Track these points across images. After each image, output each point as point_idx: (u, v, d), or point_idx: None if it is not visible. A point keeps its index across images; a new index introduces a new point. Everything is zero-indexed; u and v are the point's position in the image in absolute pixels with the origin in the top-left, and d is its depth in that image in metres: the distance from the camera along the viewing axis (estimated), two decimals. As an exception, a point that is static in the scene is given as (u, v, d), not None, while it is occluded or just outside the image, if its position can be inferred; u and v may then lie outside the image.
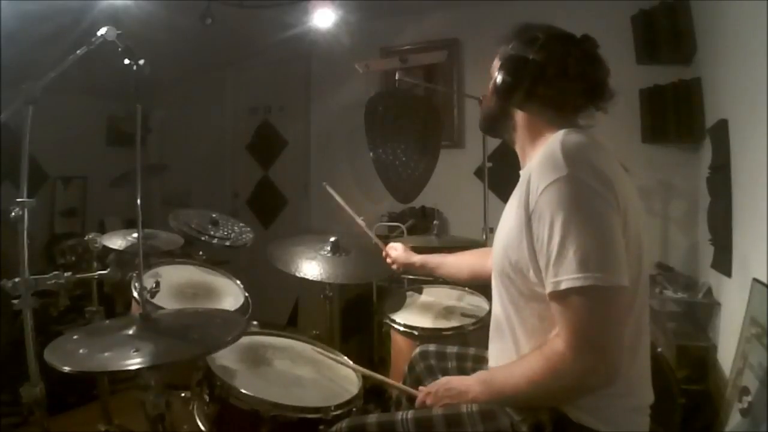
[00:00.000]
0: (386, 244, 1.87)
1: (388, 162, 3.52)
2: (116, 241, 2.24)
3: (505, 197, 1.15)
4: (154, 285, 1.39)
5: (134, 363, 1.05)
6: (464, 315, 1.91)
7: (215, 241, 2.35)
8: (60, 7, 2.60)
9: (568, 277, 0.90)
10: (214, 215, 2.48)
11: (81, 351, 1.11)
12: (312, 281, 1.84)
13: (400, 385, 1.41)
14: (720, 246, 2.14)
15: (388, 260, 1.80)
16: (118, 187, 3.44)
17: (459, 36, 3.45)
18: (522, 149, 1.19)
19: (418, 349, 1.49)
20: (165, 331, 1.21)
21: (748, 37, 1.73)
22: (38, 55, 2.28)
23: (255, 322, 1.82)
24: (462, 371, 1.35)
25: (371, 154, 3.54)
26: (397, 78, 2.39)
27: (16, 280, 1.29)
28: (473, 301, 2.04)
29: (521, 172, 1.15)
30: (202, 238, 2.32)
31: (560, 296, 0.92)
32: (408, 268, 1.77)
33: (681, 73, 2.67)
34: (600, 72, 1.08)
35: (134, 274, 1.83)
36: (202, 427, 1.37)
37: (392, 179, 3.52)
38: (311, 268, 1.87)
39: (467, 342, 1.59)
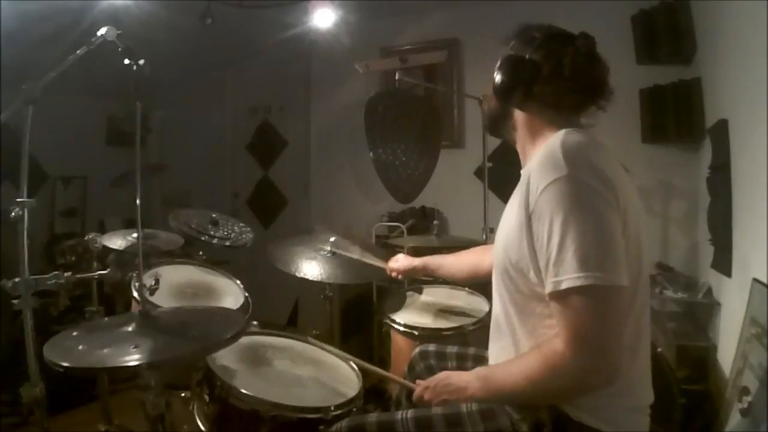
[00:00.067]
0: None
1: (388, 162, 3.52)
2: (116, 241, 2.24)
3: (505, 197, 1.15)
4: (153, 282, 1.38)
5: (133, 359, 1.05)
6: (464, 315, 1.91)
7: (215, 241, 2.35)
8: (60, 7, 2.60)
9: (568, 276, 0.90)
10: (214, 215, 2.48)
11: (80, 347, 1.11)
12: (312, 281, 1.84)
13: (398, 378, 1.41)
14: (720, 246, 2.13)
15: (393, 274, 1.82)
16: (118, 187, 3.43)
17: (459, 36, 3.45)
18: (522, 149, 1.19)
19: (417, 349, 1.50)
20: (164, 328, 1.21)
21: (748, 37, 1.73)
22: (38, 55, 2.27)
23: (255, 322, 1.82)
24: (462, 371, 1.35)
25: (371, 154, 3.54)
26: (397, 78, 2.39)
27: (16, 280, 1.29)
28: (473, 301, 2.04)
29: (522, 172, 1.15)
30: (202, 238, 2.32)
31: (560, 296, 0.92)
32: (410, 273, 1.80)
33: (681, 73, 2.66)
34: (597, 69, 1.08)
35: (134, 274, 1.83)
36: (202, 427, 1.37)
37: (392, 179, 3.52)
38: (311, 268, 1.87)
39: (467, 342, 1.59)
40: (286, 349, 1.60)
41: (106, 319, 1.48)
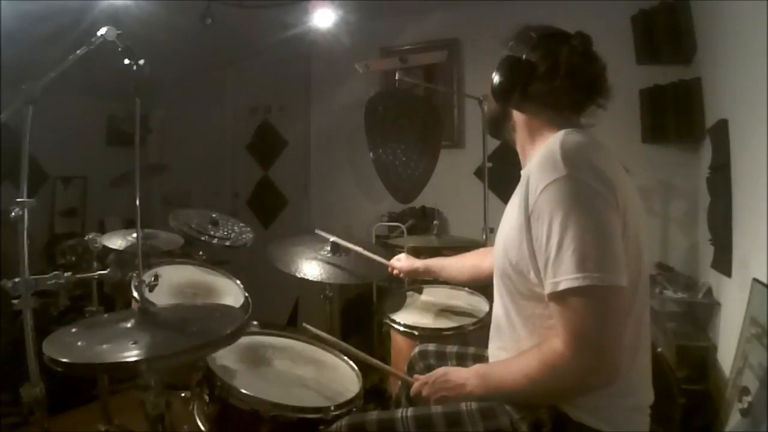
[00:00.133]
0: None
1: (388, 162, 3.52)
2: (116, 241, 2.24)
3: (505, 197, 1.15)
4: (153, 278, 1.38)
5: (132, 355, 1.05)
6: (464, 315, 1.91)
7: (215, 241, 2.35)
8: (60, 7, 2.60)
9: (566, 277, 0.90)
10: (214, 215, 2.48)
11: (79, 343, 1.11)
12: (312, 281, 1.84)
13: (396, 371, 1.41)
14: (720, 246, 2.13)
15: (395, 273, 1.82)
16: (118, 187, 3.44)
17: (459, 36, 3.45)
18: (522, 150, 1.19)
19: (417, 349, 1.50)
20: (163, 324, 1.21)
21: (748, 37, 1.73)
22: (38, 55, 2.28)
23: (255, 322, 1.82)
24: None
25: (371, 154, 3.54)
26: (397, 78, 2.39)
27: (16, 280, 1.29)
28: (473, 301, 2.04)
29: (522, 173, 1.15)
30: (202, 238, 2.32)
31: (559, 297, 0.92)
32: (413, 274, 1.81)
33: (681, 73, 2.67)
34: (593, 67, 1.08)
35: (134, 274, 1.83)
36: (202, 427, 1.37)
37: (392, 179, 3.52)
38: (311, 268, 1.87)
39: (467, 342, 1.58)
40: (286, 349, 1.60)
41: (105, 315, 1.48)
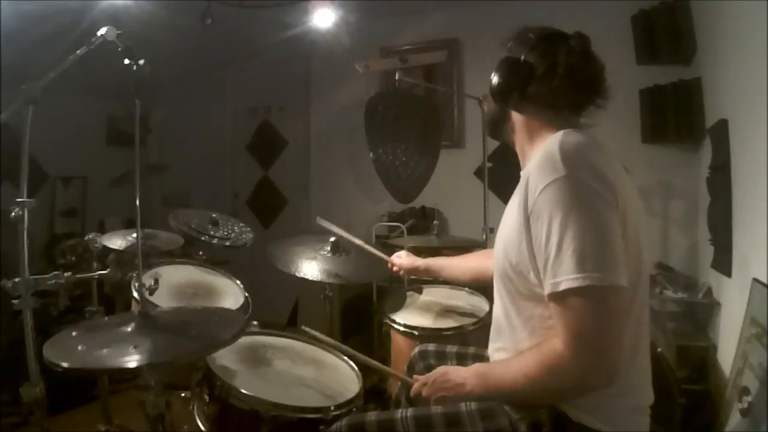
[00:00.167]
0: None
1: (388, 162, 3.52)
2: (116, 241, 2.24)
3: (505, 197, 1.15)
4: (153, 282, 1.38)
5: (133, 360, 1.05)
6: (464, 315, 1.91)
7: (215, 241, 2.35)
8: (60, 7, 2.60)
9: (566, 277, 0.90)
10: (214, 215, 2.48)
11: (80, 347, 1.11)
12: (312, 281, 1.84)
13: (396, 372, 1.41)
14: (720, 246, 2.14)
15: (394, 269, 1.81)
16: (118, 187, 3.44)
17: (459, 36, 3.45)
18: (522, 150, 1.19)
19: (417, 349, 1.50)
20: (164, 329, 1.21)
21: (748, 37, 1.73)
22: (38, 55, 2.28)
23: (255, 322, 1.82)
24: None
25: (371, 154, 3.54)
26: (397, 78, 2.39)
27: (16, 280, 1.29)
28: (473, 301, 2.04)
29: (521, 174, 1.15)
30: (202, 238, 2.32)
31: (559, 297, 0.92)
32: (413, 272, 1.80)
33: (681, 73, 2.67)
34: (591, 68, 1.08)
35: (134, 274, 1.83)
36: (202, 427, 1.37)
37: (392, 179, 3.52)
38: (311, 268, 1.87)
39: (467, 342, 1.59)
40: (286, 349, 1.60)
41: (105, 318, 1.48)
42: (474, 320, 1.84)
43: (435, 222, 2.53)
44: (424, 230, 3.17)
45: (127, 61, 1.33)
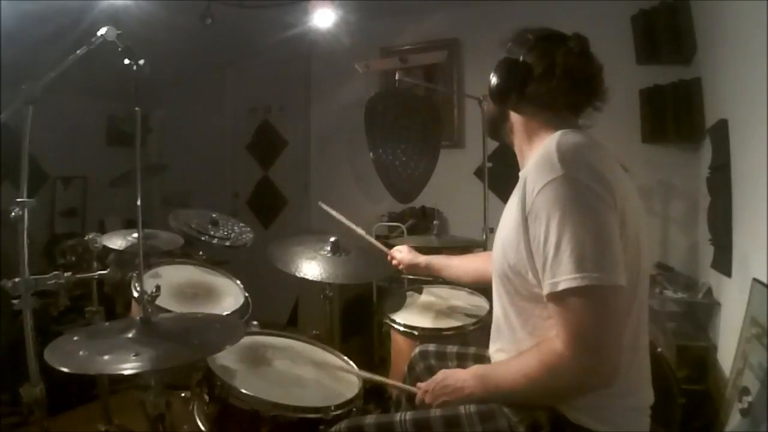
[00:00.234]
0: (387, 245, 1.87)
1: (388, 162, 3.52)
2: (116, 241, 2.24)
3: (505, 197, 1.15)
4: (154, 289, 1.38)
5: (134, 367, 1.05)
6: (464, 315, 1.90)
7: (215, 241, 2.35)
8: (60, 7, 2.60)
9: (564, 277, 0.90)
10: (214, 215, 2.48)
11: (81, 353, 1.11)
12: (312, 281, 1.84)
13: (399, 384, 1.41)
14: (720, 246, 2.14)
15: (394, 262, 1.81)
16: (118, 187, 3.44)
17: (459, 36, 3.45)
18: (520, 151, 1.19)
19: (417, 349, 1.49)
20: (165, 336, 1.21)
21: (748, 37, 1.73)
22: (38, 55, 2.28)
23: (255, 322, 1.82)
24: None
25: (371, 154, 3.54)
26: (397, 78, 2.39)
27: (16, 280, 1.28)
28: (473, 301, 2.04)
29: (520, 174, 1.15)
30: (202, 238, 2.32)
31: (557, 297, 0.92)
32: (413, 269, 1.78)
33: (681, 73, 2.67)
34: (590, 68, 1.08)
35: (134, 274, 1.83)
36: (202, 427, 1.37)
37: (392, 179, 3.52)
38: (311, 268, 1.87)
39: (467, 342, 1.59)
40: (286, 349, 1.60)
41: (107, 324, 1.48)
42: (474, 320, 1.84)
43: (435, 222, 2.53)
44: (424, 230, 3.17)
45: (127, 61, 1.33)
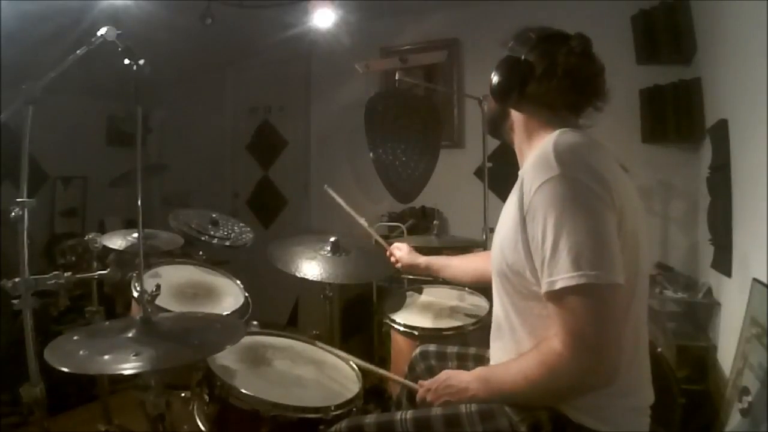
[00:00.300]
0: (388, 244, 1.88)
1: (388, 162, 3.52)
2: (116, 241, 2.23)
3: (505, 197, 1.15)
4: (154, 289, 1.38)
5: (134, 367, 1.05)
6: (464, 315, 1.91)
7: (215, 241, 2.35)
8: (60, 7, 2.60)
9: (562, 276, 0.90)
10: (214, 215, 2.48)
11: (81, 353, 1.11)
12: (312, 281, 1.84)
13: (400, 378, 1.41)
14: (720, 246, 2.14)
15: (393, 260, 1.81)
16: (118, 187, 3.44)
17: (459, 36, 3.45)
18: (520, 150, 1.19)
19: (418, 350, 1.50)
20: (165, 336, 1.21)
21: (748, 37, 1.73)
22: (38, 55, 2.28)
23: (255, 322, 1.82)
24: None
25: (371, 154, 3.54)
26: (397, 78, 2.39)
27: (16, 280, 1.28)
28: (473, 301, 2.04)
29: (519, 173, 1.15)
30: (202, 238, 2.32)
31: (556, 296, 0.92)
32: (412, 269, 1.79)
33: (681, 73, 2.67)
34: (590, 68, 1.08)
35: (134, 274, 1.83)
36: (202, 427, 1.38)
37: (392, 179, 3.52)
38: (311, 268, 1.87)
39: (467, 342, 1.59)
40: (286, 349, 1.60)
41: (107, 323, 1.48)
42: (474, 320, 1.84)
43: (435, 222, 2.53)
44: (424, 230, 3.17)
45: (127, 61, 1.33)
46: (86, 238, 1.95)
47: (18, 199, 1.31)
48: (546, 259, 0.93)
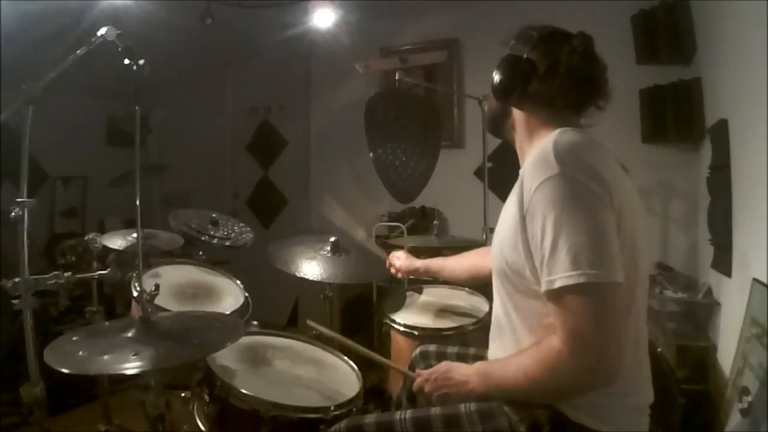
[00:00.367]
0: (386, 245, 1.88)
1: (388, 162, 3.52)
2: (116, 241, 2.24)
3: (505, 197, 1.15)
4: (153, 288, 1.38)
5: (133, 367, 1.05)
6: (464, 315, 1.91)
7: (215, 241, 2.35)
8: (60, 7, 2.60)
9: (561, 275, 0.90)
10: (214, 215, 2.48)
11: (80, 353, 1.11)
12: (312, 281, 1.84)
13: (399, 367, 1.41)
14: (720, 246, 2.13)
15: (392, 270, 1.82)
16: (118, 187, 3.43)
17: (459, 36, 3.45)
18: (521, 149, 1.19)
19: (418, 350, 1.49)
20: (164, 335, 1.21)
21: (748, 37, 1.73)
22: (38, 55, 2.28)
23: (255, 322, 1.82)
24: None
25: (371, 154, 3.54)
26: (397, 78, 2.39)
27: (16, 280, 1.28)
28: (473, 301, 2.04)
29: (520, 172, 1.15)
30: (202, 238, 2.32)
31: (555, 295, 0.92)
32: (412, 274, 1.80)
33: (681, 73, 2.66)
34: (592, 67, 1.08)
35: (134, 274, 1.83)
36: (202, 427, 1.37)
37: (392, 179, 3.52)
38: (311, 268, 1.87)
39: (467, 342, 1.59)
40: (286, 349, 1.60)
41: (106, 323, 1.48)
42: (474, 320, 1.84)
43: (435, 222, 2.53)
44: (424, 230, 3.17)
45: (127, 61, 1.33)
46: (86, 238, 1.95)
47: (18, 199, 1.31)
48: (545, 258, 0.93)
